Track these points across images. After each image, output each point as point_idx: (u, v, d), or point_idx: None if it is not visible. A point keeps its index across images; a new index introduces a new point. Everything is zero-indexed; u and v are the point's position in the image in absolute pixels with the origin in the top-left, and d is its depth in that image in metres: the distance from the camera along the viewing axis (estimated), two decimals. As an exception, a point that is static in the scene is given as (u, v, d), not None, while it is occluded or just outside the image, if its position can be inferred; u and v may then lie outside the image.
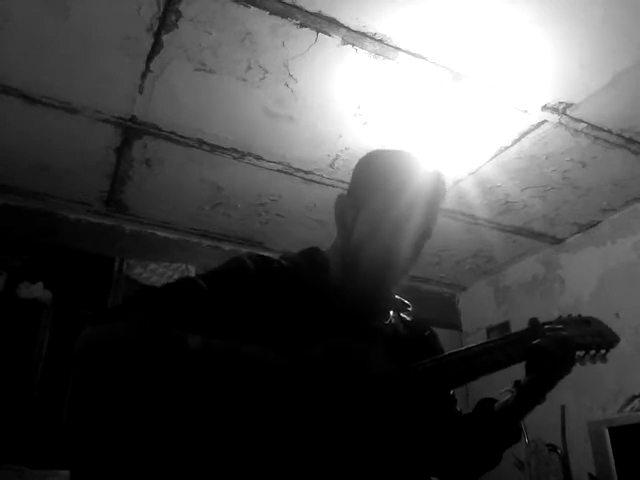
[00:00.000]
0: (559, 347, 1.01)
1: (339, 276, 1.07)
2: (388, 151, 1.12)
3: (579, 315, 1.13)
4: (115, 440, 0.82)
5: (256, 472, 0.83)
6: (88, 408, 0.85)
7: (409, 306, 1.19)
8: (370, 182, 1.07)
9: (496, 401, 1.10)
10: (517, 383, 1.06)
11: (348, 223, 1.07)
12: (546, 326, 1.07)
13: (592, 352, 1.08)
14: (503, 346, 1.01)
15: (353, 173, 1.14)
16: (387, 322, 1.09)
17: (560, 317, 1.12)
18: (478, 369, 0.97)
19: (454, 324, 4.05)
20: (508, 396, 1.07)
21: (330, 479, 0.85)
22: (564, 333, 1.04)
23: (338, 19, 1.90)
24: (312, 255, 1.12)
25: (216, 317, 0.93)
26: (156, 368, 0.84)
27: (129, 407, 0.83)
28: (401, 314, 1.14)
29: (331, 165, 2.67)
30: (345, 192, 1.13)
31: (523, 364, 1.04)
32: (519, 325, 1.08)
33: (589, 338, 1.07)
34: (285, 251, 1.14)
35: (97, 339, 0.87)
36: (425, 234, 1.07)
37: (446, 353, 1.02)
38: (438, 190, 1.08)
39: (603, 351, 1.09)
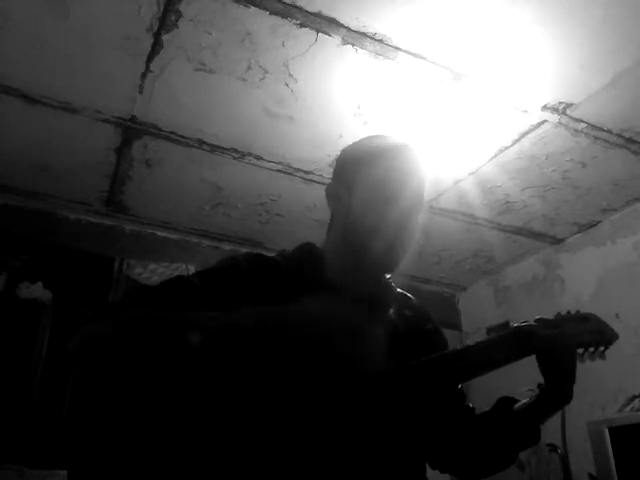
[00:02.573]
0: (556, 346, 1.01)
1: (336, 269, 1.08)
2: (369, 136, 1.19)
3: (578, 311, 1.12)
4: (112, 438, 0.82)
5: (254, 467, 0.83)
6: (85, 407, 0.85)
7: (411, 299, 1.19)
8: (359, 161, 1.12)
9: (516, 400, 1.09)
10: (539, 385, 1.06)
11: (344, 203, 1.10)
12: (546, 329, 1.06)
13: (591, 349, 1.07)
14: (500, 344, 1.02)
15: (338, 161, 1.19)
16: (387, 318, 1.09)
17: (559, 313, 1.11)
18: (476, 367, 0.97)
19: (454, 324, 4.05)
20: (530, 395, 1.07)
21: (326, 475, 0.86)
22: (564, 331, 1.04)
23: (338, 19, 1.90)
24: (307, 250, 1.13)
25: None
26: (150, 363, 0.84)
27: (125, 403, 0.83)
28: (403, 310, 1.14)
29: (331, 165, 2.66)
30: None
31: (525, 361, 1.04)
32: (519, 325, 1.08)
33: (588, 335, 1.07)
34: (282, 249, 1.15)
35: (88, 338, 0.87)
36: (420, 204, 1.11)
37: (443, 352, 1.02)
38: (422, 162, 1.13)
39: (602, 348, 1.08)
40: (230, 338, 0.84)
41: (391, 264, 1.08)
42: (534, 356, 1.04)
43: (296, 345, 0.84)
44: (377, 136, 1.18)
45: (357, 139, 1.20)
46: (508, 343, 1.02)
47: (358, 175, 1.10)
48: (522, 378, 1.33)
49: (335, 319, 0.87)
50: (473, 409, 1.15)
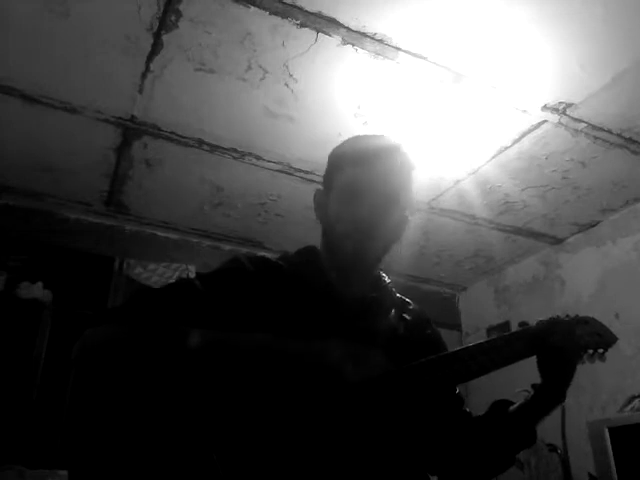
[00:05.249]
0: (567, 341, 1.03)
1: (333, 273, 1.07)
2: (352, 139, 1.16)
3: (576, 315, 1.13)
4: (112, 441, 0.82)
5: (254, 469, 0.83)
6: (87, 410, 0.85)
7: (410, 304, 1.19)
8: (333, 165, 1.12)
9: (511, 403, 1.10)
10: (534, 385, 1.06)
11: (323, 209, 1.11)
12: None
13: (590, 351, 1.08)
14: (500, 348, 1.02)
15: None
16: (387, 321, 1.09)
17: (558, 317, 1.12)
18: (474, 370, 0.97)
19: (454, 324, 4.05)
20: (525, 396, 1.07)
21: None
22: (567, 330, 1.05)
23: (338, 19, 1.90)
24: (308, 254, 1.13)
25: (213, 318, 0.93)
26: (154, 368, 0.84)
27: (127, 408, 0.83)
28: (402, 315, 1.14)
29: (331, 165, 2.67)
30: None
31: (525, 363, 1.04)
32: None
33: (587, 337, 1.08)
34: (284, 251, 1.14)
35: (95, 342, 0.87)
36: (392, 201, 1.06)
37: (444, 353, 1.02)
38: (399, 159, 1.09)
39: (601, 350, 1.09)
40: (230, 351, 0.86)
41: (361, 263, 1.07)
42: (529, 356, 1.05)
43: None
44: (353, 138, 1.15)
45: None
46: (522, 340, 1.03)
47: (332, 179, 1.10)
48: (520, 378, 1.33)
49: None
50: (470, 414, 1.15)
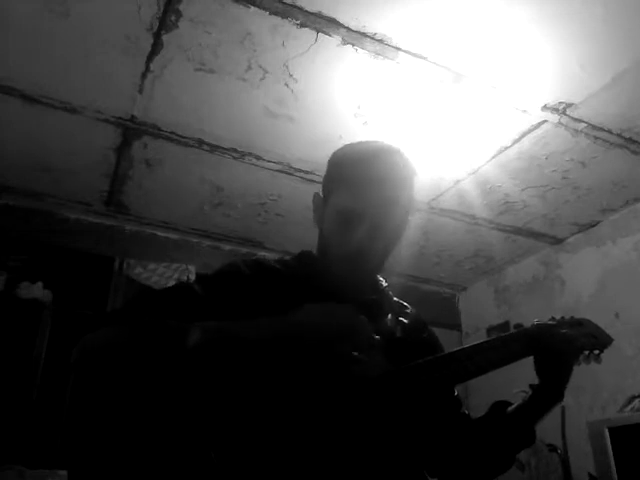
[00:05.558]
0: (563, 343, 1.03)
1: (328, 274, 1.07)
2: (350, 144, 1.12)
3: (571, 317, 1.15)
4: (112, 442, 0.82)
5: (253, 468, 0.83)
6: (86, 412, 0.85)
7: (407, 308, 1.19)
8: (331, 176, 1.09)
9: (510, 403, 1.10)
10: (532, 385, 1.07)
11: (319, 218, 1.09)
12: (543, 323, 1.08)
13: (586, 353, 1.10)
14: (496, 349, 1.02)
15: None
16: (385, 323, 1.09)
17: (552, 319, 1.13)
18: (471, 371, 0.98)
19: (454, 324, 4.05)
20: (523, 397, 1.07)
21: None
22: (564, 331, 1.06)
23: (338, 19, 1.90)
24: (305, 258, 1.13)
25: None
26: (153, 370, 0.84)
27: (127, 409, 0.83)
28: (399, 318, 1.14)
29: (331, 165, 2.67)
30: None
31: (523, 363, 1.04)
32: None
33: (583, 339, 1.09)
34: (284, 252, 1.15)
35: (94, 345, 0.87)
36: (392, 201, 1.02)
37: (441, 354, 1.02)
38: (399, 160, 1.05)
39: (597, 352, 1.10)
40: (231, 348, 0.85)
41: (360, 271, 1.04)
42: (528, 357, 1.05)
43: (296, 353, 0.85)
44: (353, 147, 1.11)
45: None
46: (519, 342, 1.04)
47: (330, 191, 1.07)
48: (519, 379, 1.33)
49: (334, 320, 0.87)
50: (469, 416, 1.15)
